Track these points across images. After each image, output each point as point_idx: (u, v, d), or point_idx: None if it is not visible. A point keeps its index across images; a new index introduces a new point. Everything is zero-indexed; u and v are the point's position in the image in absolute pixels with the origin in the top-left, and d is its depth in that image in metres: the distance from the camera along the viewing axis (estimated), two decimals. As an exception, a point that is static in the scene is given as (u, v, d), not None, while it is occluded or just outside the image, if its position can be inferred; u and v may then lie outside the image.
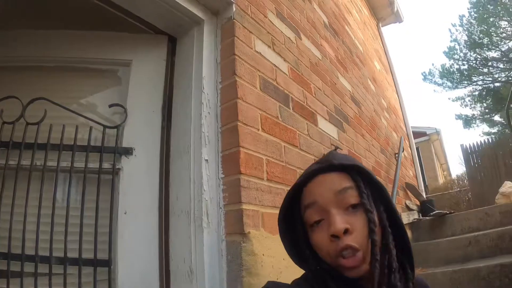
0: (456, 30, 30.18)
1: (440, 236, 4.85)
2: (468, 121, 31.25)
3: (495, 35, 28.41)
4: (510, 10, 26.97)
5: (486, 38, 28.64)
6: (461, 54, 30.03)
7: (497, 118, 29.91)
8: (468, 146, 12.33)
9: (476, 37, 29.15)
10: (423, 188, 7.83)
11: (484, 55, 29.18)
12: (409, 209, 5.72)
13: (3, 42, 2.17)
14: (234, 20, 2.24)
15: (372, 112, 5.12)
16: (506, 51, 27.83)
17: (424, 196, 6.98)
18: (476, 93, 30.41)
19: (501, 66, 28.35)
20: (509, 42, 27.80)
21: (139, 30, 2.28)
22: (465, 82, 30.05)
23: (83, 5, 2.15)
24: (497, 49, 28.51)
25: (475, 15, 29.00)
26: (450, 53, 30.30)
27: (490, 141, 12.52)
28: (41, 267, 1.75)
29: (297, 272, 1.98)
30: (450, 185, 15.60)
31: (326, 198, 0.98)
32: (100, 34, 2.28)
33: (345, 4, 5.75)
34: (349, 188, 1.00)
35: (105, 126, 1.99)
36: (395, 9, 8.89)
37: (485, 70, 29.38)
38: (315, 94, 3.07)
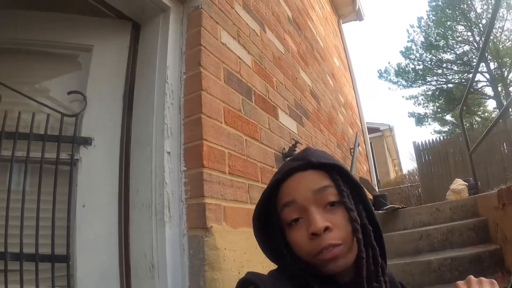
0: (414, 31, 31.14)
1: (392, 230, 4.96)
2: (420, 119, 32.23)
3: (451, 38, 29.30)
4: (468, 15, 27.78)
5: (442, 40, 29.56)
6: (417, 55, 30.96)
7: (448, 117, 31.02)
8: (420, 143, 12.63)
9: (432, 39, 30.04)
10: (376, 183, 7.97)
11: (439, 56, 30.16)
12: (362, 203, 5.79)
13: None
14: (202, 10, 2.20)
15: (330, 108, 5.18)
16: (461, 54, 28.75)
17: (377, 191, 7.11)
18: (430, 92, 31.40)
19: (455, 68, 29.35)
20: (464, 45, 28.71)
21: (102, 14, 2.19)
22: (420, 81, 30.98)
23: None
24: (452, 52, 29.46)
25: (433, 18, 29.94)
26: (406, 53, 31.13)
27: (441, 139, 12.90)
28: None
29: (259, 266, 1.97)
30: (401, 180, 16.00)
31: (305, 197, 0.96)
32: (59, 16, 2.16)
33: (308, -1, 5.76)
34: (328, 187, 0.98)
35: (63, 114, 1.89)
36: (357, 7, 9.03)
37: (439, 71, 30.41)
38: (276, 88, 3.07)
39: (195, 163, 1.84)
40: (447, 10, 29.25)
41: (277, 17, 3.69)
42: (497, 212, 3.47)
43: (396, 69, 31.57)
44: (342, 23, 9.31)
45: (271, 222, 1.07)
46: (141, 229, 1.82)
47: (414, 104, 32.67)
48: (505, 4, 25.87)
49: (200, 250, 1.69)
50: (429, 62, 30.68)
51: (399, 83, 31.76)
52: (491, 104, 29.05)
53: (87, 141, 1.92)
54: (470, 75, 28.13)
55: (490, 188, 4.92)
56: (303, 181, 0.99)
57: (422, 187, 12.31)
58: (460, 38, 29.01)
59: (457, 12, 28.81)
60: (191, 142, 1.89)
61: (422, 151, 12.53)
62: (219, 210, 1.84)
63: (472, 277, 1.01)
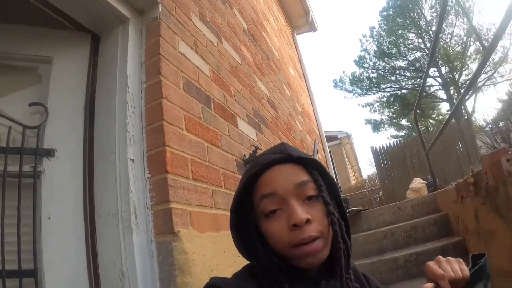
0: (367, 41, 31.82)
1: (356, 232, 5.06)
2: (377, 126, 32.94)
3: (403, 46, 30.12)
4: (418, 23, 28.62)
5: (394, 48, 30.34)
6: (371, 63, 31.68)
7: (404, 122, 31.82)
8: (377, 148, 12.91)
9: (385, 47, 30.80)
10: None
11: (392, 64, 30.96)
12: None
13: None
14: (160, 20, 2.24)
15: (288, 116, 5.25)
16: (413, 61, 29.60)
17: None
18: (385, 99, 32.15)
19: (408, 74, 30.16)
20: (416, 52, 29.56)
21: (62, 26, 2.20)
22: (374, 89, 31.68)
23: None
24: (405, 59, 30.32)
25: (385, 27, 30.77)
26: (360, 62, 31.81)
27: (398, 143, 13.17)
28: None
29: (228, 270, 2.00)
30: (362, 185, 16.25)
31: (286, 189, 0.99)
32: (19, 27, 2.15)
33: (263, 11, 5.90)
34: (308, 181, 1.01)
35: (24, 126, 1.87)
36: (310, 18, 9.18)
37: (393, 78, 31.20)
38: (234, 97, 3.12)
39: (159, 169, 1.86)
40: (398, 19, 30.12)
41: (233, 29, 3.76)
42: (456, 205, 3.61)
43: (351, 78, 32.27)
44: (296, 35, 9.47)
45: (244, 216, 1.07)
46: (108, 238, 1.81)
47: (370, 111, 33.42)
48: (453, 11, 26.72)
49: (169, 255, 1.70)
50: (382, 70, 31.43)
51: (354, 91, 32.48)
52: (444, 107, 29.88)
53: (49, 153, 1.91)
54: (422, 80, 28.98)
55: (448, 185, 5.10)
56: (283, 174, 1.02)
57: (383, 190, 12.58)
58: (411, 45, 29.88)
59: (407, 21, 29.68)
60: (154, 149, 1.90)
61: (380, 155, 12.81)
62: (185, 215, 1.85)
63: (440, 257, 1.06)
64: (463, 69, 27.44)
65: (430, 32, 28.11)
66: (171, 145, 1.92)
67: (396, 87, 31.28)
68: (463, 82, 27.28)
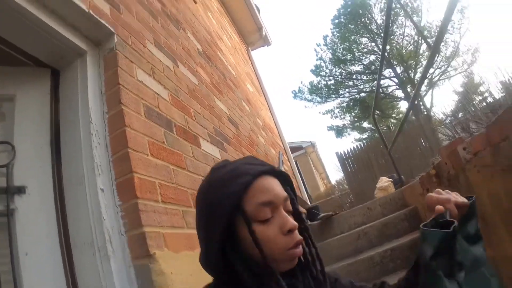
0: (321, 49, 32.40)
1: (330, 236, 5.13)
2: (339, 131, 33.55)
3: (357, 51, 30.82)
4: (369, 27, 29.29)
5: (349, 54, 30.98)
6: (327, 71, 32.25)
7: (366, 124, 32.43)
8: (342, 153, 13.15)
9: (340, 54, 31.46)
10: (307, 197, 8.19)
11: (349, 69, 31.69)
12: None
13: None
14: (117, 51, 2.30)
15: (250, 131, 5.35)
16: (368, 64, 30.29)
17: (309, 203, 7.32)
18: (344, 104, 32.81)
19: (365, 78, 30.85)
20: (370, 56, 30.24)
21: (21, 63, 2.23)
22: (333, 95, 32.27)
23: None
24: (360, 63, 31.02)
25: (338, 34, 31.46)
26: (317, 70, 32.33)
27: (362, 146, 13.44)
28: None
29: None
30: (332, 191, 16.39)
31: (279, 199, 1.06)
32: None
33: (216, 31, 6.01)
34: (289, 198, 1.11)
35: None
36: (263, 33, 9.35)
37: (351, 83, 31.88)
38: (195, 118, 3.19)
39: (129, 195, 1.91)
40: (349, 25, 30.87)
41: (188, 52, 3.84)
42: (423, 198, 3.72)
43: (309, 87, 32.80)
44: (251, 50, 9.63)
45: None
46: (86, 267, 1.84)
47: (331, 118, 33.91)
48: (402, 12, 27.43)
49: (148, 278, 1.75)
50: (339, 76, 32.08)
51: (314, 100, 32.99)
52: (403, 105, 30.61)
53: (21, 190, 1.92)
54: (380, 82, 29.56)
55: (414, 179, 5.24)
56: (274, 185, 1.09)
57: (352, 193, 12.75)
58: (365, 50, 30.64)
59: (359, 26, 30.41)
60: (122, 177, 1.96)
61: (346, 160, 13.05)
62: (159, 237, 1.91)
63: (439, 189, 1.17)
64: (417, 67, 28.27)
65: (382, 35, 28.73)
66: (138, 171, 1.98)
67: (355, 92, 31.94)
68: (418, 79, 27.95)
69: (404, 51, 28.81)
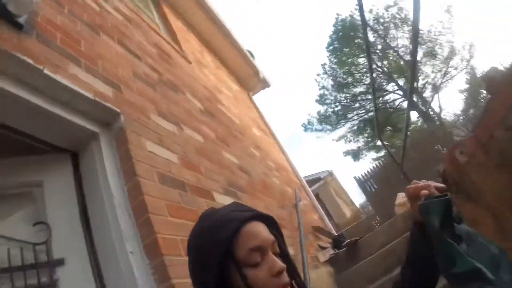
0: (322, 78, 32.65)
1: (358, 261, 5.21)
2: (356, 154, 33.45)
3: (356, 72, 31.02)
4: (363, 47, 29.54)
5: (349, 77, 31.06)
6: (332, 98, 32.42)
7: (380, 142, 31.97)
8: (360, 177, 13.16)
9: (340, 79, 31.61)
10: (331, 227, 8.26)
11: (352, 92, 31.73)
12: (322, 248, 6.11)
13: None
14: (125, 129, 2.57)
15: (262, 176, 5.50)
16: (370, 83, 30.25)
17: (335, 233, 7.46)
18: (355, 127, 32.68)
19: (370, 97, 30.66)
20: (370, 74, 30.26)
21: (43, 151, 2.46)
22: (342, 121, 32.34)
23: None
24: (362, 83, 31.07)
25: (335, 60, 31.57)
26: (322, 99, 32.49)
27: (379, 165, 13.40)
28: None
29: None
30: (358, 215, 16.29)
31: (267, 244, 1.14)
32: (8, 160, 2.40)
33: (214, 85, 6.24)
34: (275, 242, 1.18)
35: (34, 244, 2.16)
36: (261, 77, 9.57)
37: (357, 105, 31.91)
38: (206, 174, 3.42)
39: (155, 254, 2.16)
40: (344, 49, 31.08)
41: (190, 113, 4.09)
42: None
43: (318, 117, 32.95)
44: (253, 95, 9.86)
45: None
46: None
47: (345, 143, 33.89)
48: (393, 25, 27.76)
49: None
50: (344, 101, 32.20)
51: (324, 129, 33.16)
52: (413, 115, 30.55)
53: (60, 262, 2.19)
54: (385, 97, 29.65)
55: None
56: (262, 230, 1.16)
57: (378, 214, 12.56)
58: (364, 69, 30.66)
59: (353, 48, 30.62)
60: (148, 238, 2.21)
61: (365, 182, 13.04)
62: (187, 287, 2.14)
63: (415, 180, 1.32)
64: (418, 74, 28.16)
65: (377, 51, 28.93)
66: (161, 231, 2.24)
67: (362, 112, 32.00)
68: (421, 86, 28.00)
69: (402, 62, 28.95)
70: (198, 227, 1.22)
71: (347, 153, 34.24)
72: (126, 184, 2.43)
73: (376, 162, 17.66)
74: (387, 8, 29.53)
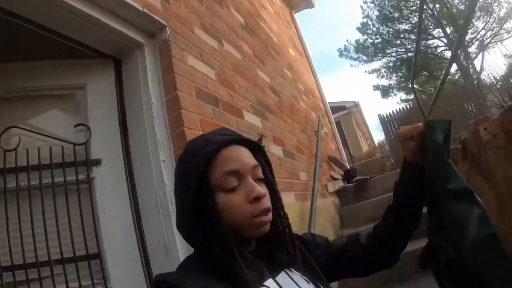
0: (368, 7, 31.09)
1: (364, 199, 5.42)
2: (385, 91, 32.65)
3: (405, 8, 29.55)
4: (419, -16, 28.23)
5: (396, 12, 29.78)
6: (374, 29, 31.13)
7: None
8: (385, 115, 13.02)
9: (387, 12, 30.22)
10: (345, 159, 8.38)
11: (396, 28, 30.37)
12: (334, 178, 6.28)
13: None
14: (170, 42, 2.63)
15: (291, 98, 5.56)
16: (417, 23, 29.14)
17: (348, 166, 7.59)
18: (391, 64, 31.80)
19: (413, 37, 29.55)
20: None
21: (87, 55, 2.55)
22: (380, 54, 31.27)
23: (32, 37, 2.31)
24: (408, 21, 29.72)
25: (386, -10, 30.12)
26: (363, 28, 31.33)
27: (407, 108, 13.24)
28: (42, 271, 2.10)
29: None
30: (374, 153, 16.31)
31: (247, 168, 1.07)
32: (54, 62, 2.53)
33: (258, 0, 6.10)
34: (260, 166, 1.13)
35: (74, 144, 2.34)
36: (306, -5, 9.23)
37: (398, 42, 30.69)
38: (239, 93, 3.50)
39: (185, 165, 2.31)
40: (397, -18, 29.73)
41: (232, 28, 4.10)
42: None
43: (356, 45, 31.88)
44: (295, 13, 9.70)
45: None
46: (152, 223, 2.29)
47: (377, 77, 33.08)
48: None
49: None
50: (386, 35, 30.97)
51: (360, 59, 32.13)
52: (453, 67, 29.66)
53: (97, 162, 2.37)
54: (428, 42, 28.78)
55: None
56: (242, 154, 1.10)
57: (393, 156, 12.49)
58: (414, 7, 29.31)
59: (408, -18, 29.32)
60: (179, 150, 2.31)
61: (389, 123, 12.87)
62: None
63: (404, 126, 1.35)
64: (468, 27, 27.15)
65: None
66: (192, 145, 2.37)
67: (402, 51, 30.93)
68: (469, 40, 27.04)
69: (455, 10, 27.84)
70: (182, 152, 1.16)
71: (377, 87, 33.44)
72: (165, 96, 2.53)
73: (404, 105, 17.37)
74: None
